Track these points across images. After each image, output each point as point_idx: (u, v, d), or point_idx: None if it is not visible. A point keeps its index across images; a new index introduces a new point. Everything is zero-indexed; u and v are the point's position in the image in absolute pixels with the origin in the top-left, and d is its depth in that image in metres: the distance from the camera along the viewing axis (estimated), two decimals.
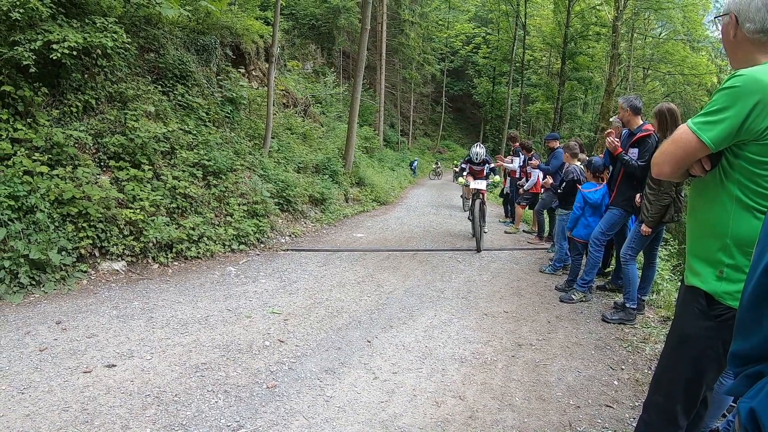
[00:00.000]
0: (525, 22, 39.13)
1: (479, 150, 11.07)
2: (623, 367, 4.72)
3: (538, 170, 10.94)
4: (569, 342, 5.26)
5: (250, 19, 13.91)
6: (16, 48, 6.81)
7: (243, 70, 12.82)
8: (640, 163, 5.84)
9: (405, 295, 6.54)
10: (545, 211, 10.83)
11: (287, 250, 9.05)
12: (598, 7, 32.66)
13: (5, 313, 5.40)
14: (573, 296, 6.61)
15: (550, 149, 10.62)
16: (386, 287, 6.89)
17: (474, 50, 49.21)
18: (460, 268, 8.15)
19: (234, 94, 11.25)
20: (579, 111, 43.83)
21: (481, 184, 10.18)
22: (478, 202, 9.88)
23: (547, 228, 10.99)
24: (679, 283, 2.89)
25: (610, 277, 7.34)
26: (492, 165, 11.20)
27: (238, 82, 11.87)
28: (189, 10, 10.39)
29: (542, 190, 10.59)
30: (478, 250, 9.55)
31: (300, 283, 6.95)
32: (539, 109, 43.29)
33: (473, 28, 48.21)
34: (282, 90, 15.61)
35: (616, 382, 4.39)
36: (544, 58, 46.53)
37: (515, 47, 40.36)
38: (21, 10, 6.82)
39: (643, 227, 5.53)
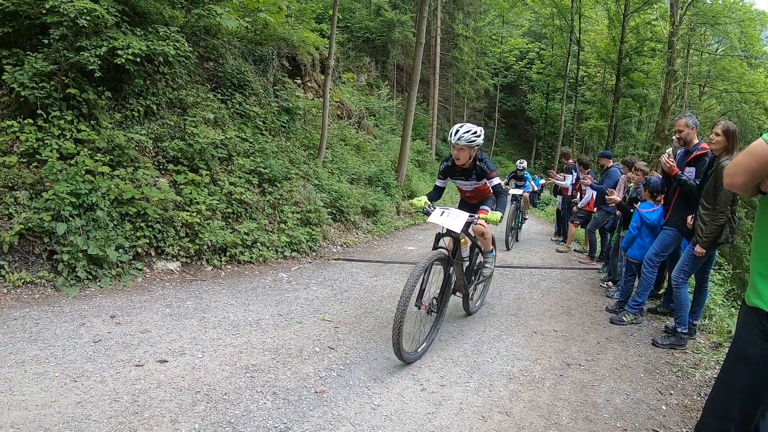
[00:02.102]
0: (579, 37, 38.51)
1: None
2: (672, 392, 4.57)
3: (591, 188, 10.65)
4: (618, 364, 5.12)
5: (306, 31, 14.09)
6: (82, 53, 7.05)
7: (299, 81, 12.97)
8: (696, 182, 5.66)
9: (455, 309, 6.41)
10: (597, 231, 10.50)
11: (338, 259, 9.02)
12: (653, 22, 32.00)
13: (61, 304, 5.58)
14: (624, 318, 6.39)
15: (602, 168, 10.32)
16: None
17: (528, 65, 48.73)
18: (510, 285, 8.00)
19: (290, 104, 11.37)
20: (633, 129, 42.83)
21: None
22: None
23: (599, 248, 10.65)
24: (733, 309, 2.76)
25: (662, 300, 7.04)
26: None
27: (294, 92, 12.02)
28: (248, 21, 10.56)
29: (595, 208, 10.31)
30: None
31: (351, 293, 6.93)
32: (593, 127, 42.42)
33: (527, 43, 47.83)
34: (337, 101, 15.73)
35: (664, 407, 4.26)
36: (598, 74, 45.59)
37: (569, 63, 39.73)
38: (88, 18, 7.05)
39: (697, 248, 5.32)
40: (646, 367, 5.06)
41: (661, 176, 6.47)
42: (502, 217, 5.06)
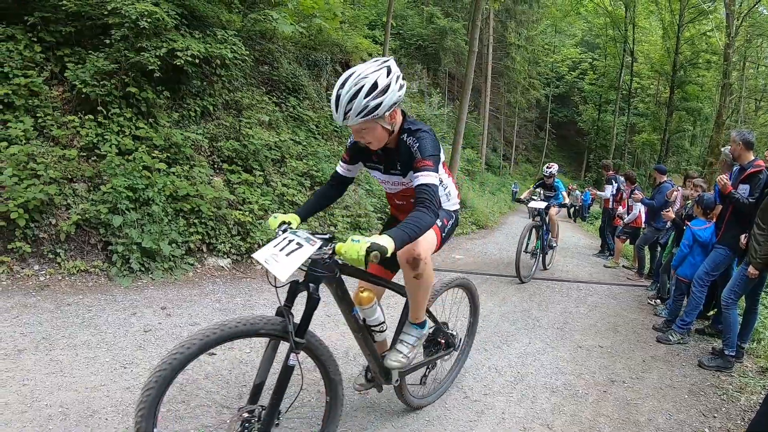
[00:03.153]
0: (633, 48, 37.63)
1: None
2: (716, 415, 4.45)
3: (641, 204, 10.30)
4: (662, 384, 5.00)
5: (359, 37, 14.13)
6: (142, 54, 7.24)
7: None
8: (750, 200, 5.45)
9: (501, 320, 6.42)
10: (646, 247, 10.18)
11: None
12: (708, 33, 31.08)
13: (114, 293, 5.73)
14: (670, 337, 6.18)
15: (654, 182, 9.99)
16: (482, 311, 6.60)
17: (580, 76, 47.94)
18: (557, 299, 7.89)
19: None
20: (687, 143, 41.60)
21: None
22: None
23: (647, 264, 10.31)
24: None
25: (710, 321, 6.75)
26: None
27: None
28: (303, 27, 10.66)
29: (644, 225, 10.00)
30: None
31: (397, 297, 6.65)
32: (645, 140, 41.37)
33: (579, 53, 47.08)
34: None
35: (707, 430, 4.16)
36: (651, 86, 44.47)
37: (622, 74, 38.86)
38: (149, 20, 7.26)
39: (750, 269, 5.12)
40: (691, 389, 4.94)
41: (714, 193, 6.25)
42: (384, 250, 2.30)
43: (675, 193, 8.76)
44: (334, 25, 12.28)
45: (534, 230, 9.38)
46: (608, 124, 44.63)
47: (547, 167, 10.53)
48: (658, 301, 7.95)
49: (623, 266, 11.50)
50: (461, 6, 31.13)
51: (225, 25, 9.03)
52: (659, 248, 9.14)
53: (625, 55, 38.50)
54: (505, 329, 6.07)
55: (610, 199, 12.08)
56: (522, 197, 9.97)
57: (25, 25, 7.27)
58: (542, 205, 9.40)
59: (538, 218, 9.42)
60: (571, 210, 25.81)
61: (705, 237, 6.22)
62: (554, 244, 10.28)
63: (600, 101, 47.92)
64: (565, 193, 10.17)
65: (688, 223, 6.66)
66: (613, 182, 11.97)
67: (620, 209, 11.51)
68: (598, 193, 12.89)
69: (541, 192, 10.39)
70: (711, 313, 7.02)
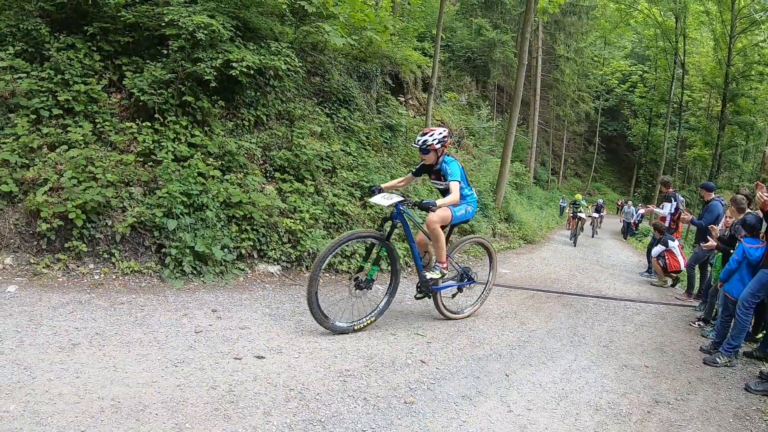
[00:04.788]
0: (684, 59, 36.51)
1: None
2: None
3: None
4: (708, 406, 4.80)
5: (408, 50, 14.14)
6: (198, 64, 7.44)
7: (401, 99, 13.02)
8: None
9: (546, 335, 6.32)
10: (696, 266, 9.80)
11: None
12: (761, 44, 29.99)
13: (166, 294, 5.87)
14: (717, 359, 5.88)
15: (703, 200, 9.64)
16: (529, 325, 6.68)
17: (630, 89, 46.71)
18: (603, 317, 7.67)
19: (393, 121, 11.43)
20: (739, 159, 40.10)
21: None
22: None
23: (697, 284, 9.93)
24: None
25: (759, 344, 6.43)
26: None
27: (397, 109, 12.04)
28: (355, 39, 10.73)
29: (695, 244, 9.67)
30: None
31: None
32: (696, 155, 39.89)
33: (629, 66, 46.01)
34: (438, 120, 15.68)
35: None
36: (703, 100, 42.94)
37: (673, 87, 37.75)
38: (205, 32, 7.47)
39: None
40: (737, 413, 4.73)
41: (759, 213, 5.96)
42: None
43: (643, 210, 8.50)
44: (384, 38, 12.32)
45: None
46: (658, 138, 43.29)
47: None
48: (702, 323, 7.64)
49: (671, 285, 11.15)
50: (510, 18, 30.97)
51: (278, 37, 9.18)
52: (710, 268, 8.81)
53: (675, 67, 37.36)
54: (551, 345, 5.97)
55: (667, 218, 11.69)
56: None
57: (85, 35, 7.60)
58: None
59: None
60: (622, 227, 25.23)
61: (756, 256, 5.93)
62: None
63: (650, 115, 46.48)
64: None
65: (741, 238, 6.38)
66: (672, 200, 11.59)
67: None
68: (655, 210, 12.49)
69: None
70: (759, 335, 6.74)
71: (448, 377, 4.65)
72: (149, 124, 7.23)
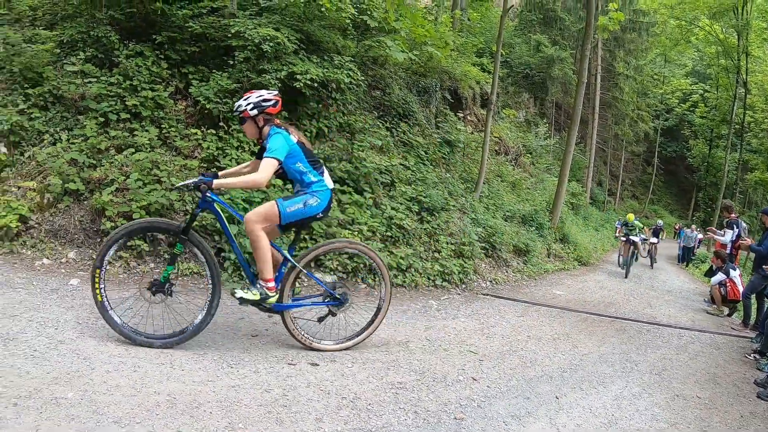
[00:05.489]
0: (746, 79, 35.11)
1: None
2: None
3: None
4: None
5: (467, 65, 14.10)
6: (263, 75, 7.61)
7: (460, 114, 12.96)
8: None
9: (598, 360, 6.20)
10: (753, 296, 9.32)
11: (487, 294, 8.83)
12: None
13: (223, 298, 5.84)
14: None
15: (764, 226, 9.19)
16: (581, 349, 6.57)
17: (690, 108, 44.99)
18: (657, 344, 7.44)
19: (451, 137, 11.39)
20: None
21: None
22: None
23: (753, 314, 9.45)
24: None
25: None
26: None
27: (456, 125, 11.99)
28: (415, 54, 10.74)
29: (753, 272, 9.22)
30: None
31: (497, 329, 6.84)
32: (758, 179, 38.14)
33: (690, 85, 44.54)
34: (496, 137, 15.57)
35: None
36: (766, 121, 41.20)
37: (735, 107, 36.33)
38: (271, 44, 7.64)
39: None
40: None
41: None
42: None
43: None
44: (446, 53, 12.31)
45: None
46: (719, 160, 41.56)
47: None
48: (758, 355, 7.27)
49: (727, 315, 10.68)
50: (568, 34, 30.47)
51: (340, 51, 9.28)
52: (767, 299, 8.39)
53: (737, 86, 36.01)
54: (602, 370, 5.83)
55: (728, 245, 11.20)
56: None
57: (153, 44, 7.90)
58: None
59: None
60: (679, 252, 24.31)
61: None
62: None
63: (711, 136, 44.66)
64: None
65: None
66: (735, 227, 11.10)
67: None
68: (716, 236, 12.00)
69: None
70: None
71: (498, 396, 4.62)
72: (213, 131, 7.41)
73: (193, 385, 3.82)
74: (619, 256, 17.14)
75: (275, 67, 7.73)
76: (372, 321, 5.13)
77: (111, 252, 4.26)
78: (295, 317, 4.81)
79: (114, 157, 6.71)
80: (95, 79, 7.32)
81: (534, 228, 13.27)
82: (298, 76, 7.70)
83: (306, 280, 5.76)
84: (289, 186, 5.06)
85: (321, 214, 4.59)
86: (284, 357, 4.63)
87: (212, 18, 8.40)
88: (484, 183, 11.95)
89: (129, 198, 6.24)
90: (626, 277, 14.45)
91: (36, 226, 6.34)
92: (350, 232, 7.51)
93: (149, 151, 6.80)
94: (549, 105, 30.57)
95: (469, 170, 11.86)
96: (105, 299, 4.22)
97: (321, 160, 4.66)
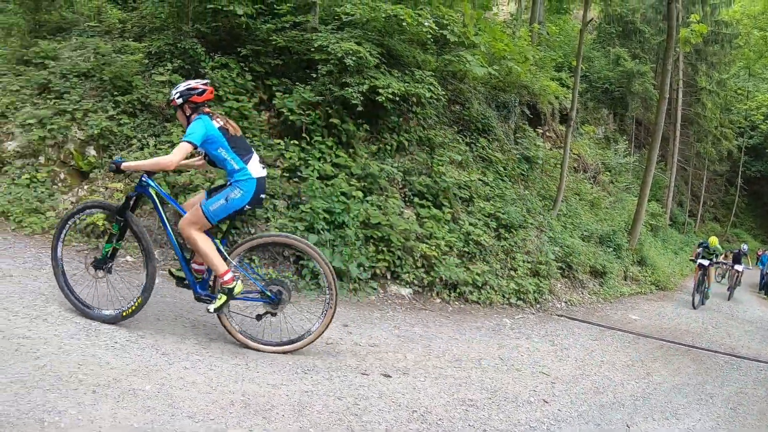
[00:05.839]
0: None
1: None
2: None
3: None
4: None
5: (546, 80, 13.87)
6: (346, 88, 7.71)
7: (539, 130, 12.76)
8: None
9: (672, 390, 6.00)
10: None
11: (561, 315, 8.64)
12: None
13: (300, 304, 5.96)
14: None
15: None
16: (655, 377, 6.36)
17: None
18: (734, 377, 7.10)
19: (530, 153, 11.22)
20: None
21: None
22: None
23: None
24: None
25: None
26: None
27: (535, 141, 11.80)
28: (495, 69, 10.65)
29: None
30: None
31: (571, 351, 6.74)
32: None
33: None
34: (575, 154, 15.22)
35: None
36: None
37: None
38: (353, 58, 7.71)
39: None
40: None
41: None
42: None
43: None
44: (525, 68, 12.15)
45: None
46: None
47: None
48: None
49: None
50: (648, 47, 29.44)
51: (420, 65, 9.31)
52: None
53: None
54: (676, 401, 5.66)
55: None
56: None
57: (238, 56, 8.15)
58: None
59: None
60: (762, 279, 22.91)
61: None
62: None
63: None
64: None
65: None
66: None
67: None
68: None
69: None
70: None
71: (569, 420, 4.57)
72: (296, 142, 7.57)
73: (267, 387, 3.90)
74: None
75: (357, 81, 7.82)
76: (316, 327, 4.69)
77: (65, 231, 4.45)
78: (231, 312, 4.59)
79: None
80: None
81: (611, 249, 12.85)
82: (380, 90, 7.76)
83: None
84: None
85: (248, 206, 4.37)
86: (358, 366, 4.69)
87: (295, 32, 8.58)
88: (562, 201, 11.69)
89: None
90: (694, 306, 12.64)
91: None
92: (427, 246, 7.51)
93: None
94: (629, 121, 29.52)
95: (547, 187, 11.64)
96: (66, 280, 4.44)
97: (251, 148, 4.51)
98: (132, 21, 9.69)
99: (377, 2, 8.80)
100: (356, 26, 8.74)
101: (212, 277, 4.47)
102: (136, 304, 4.34)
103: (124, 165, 4.22)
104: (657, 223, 22.91)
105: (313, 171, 7.23)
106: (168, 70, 7.79)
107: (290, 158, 7.34)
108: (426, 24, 8.91)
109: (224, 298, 4.30)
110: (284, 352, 4.57)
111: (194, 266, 4.54)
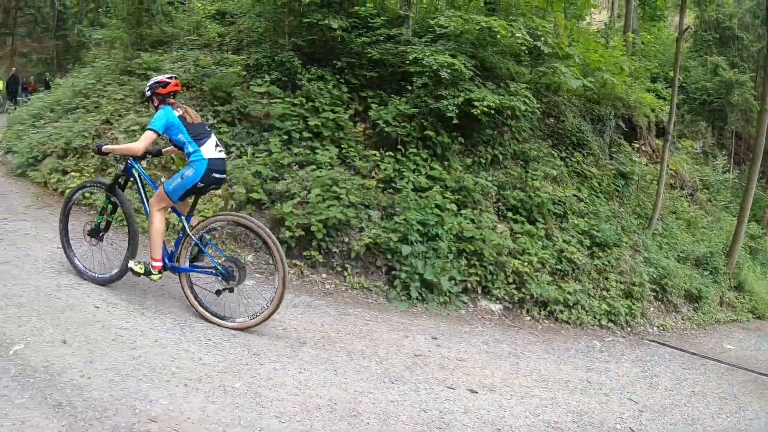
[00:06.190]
0: None
1: None
2: None
3: None
4: None
5: (641, 91, 13.38)
6: (441, 101, 7.77)
7: (635, 144, 12.34)
8: None
9: (766, 426, 5.82)
10: None
11: (653, 341, 8.28)
12: None
13: (390, 314, 6.20)
14: None
15: None
16: (748, 412, 6.06)
17: None
18: None
19: (626, 169, 10.83)
20: None
21: None
22: None
23: None
24: None
25: None
26: None
27: (630, 156, 11.41)
28: (591, 81, 10.39)
29: None
30: None
31: (661, 379, 6.47)
32: None
33: None
34: (672, 170, 14.58)
35: None
36: None
37: None
38: (448, 71, 7.75)
39: None
40: None
41: None
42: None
43: None
44: (622, 79, 11.77)
45: None
46: None
47: None
48: None
49: None
50: (747, 55, 27.79)
51: (514, 77, 9.25)
52: None
53: None
54: None
55: None
56: None
57: (334, 68, 8.44)
58: None
59: None
60: None
61: None
62: None
63: None
64: None
65: None
66: None
67: None
68: None
69: None
70: None
71: None
72: (391, 153, 7.69)
73: (354, 394, 4.01)
74: None
75: (452, 94, 7.85)
76: (266, 306, 4.80)
77: (70, 204, 5.30)
78: (194, 283, 4.95)
79: (296, 172, 7.18)
80: (279, 100, 7.90)
81: (708, 272, 12.23)
82: (476, 103, 7.74)
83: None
84: None
85: (201, 184, 4.72)
86: (445, 380, 4.73)
87: (389, 45, 8.74)
88: (658, 219, 11.22)
89: (308, 211, 6.62)
90: None
91: (219, 228, 6.83)
92: (520, 262, 7.41)
93: (329, 169, 7.18)
94: (728, 135, 28.01)
95: (642, 205, 11.20)
96: (69, 246, 5.22)
97: (210, 133, 4.93)
98: (230, 35, 10.17)
99: (470, 14, 8.80)
100: (449, 38, 8.75)
101: (179, 251, 4.92)
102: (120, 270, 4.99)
103: (104, 148, 5.01)
104: (757, 245, 21.60)
105: (407, 183, 7.29)
106: (266, 81, 8.11)
107: (385, 169, 7.46)
108: (519, 35, 8.81)
109: (142, 270, 4.83)
110: (233, 329, 4.75)
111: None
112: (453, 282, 6.83)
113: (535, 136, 9.45)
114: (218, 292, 4.89)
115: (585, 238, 8.60)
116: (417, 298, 6.60)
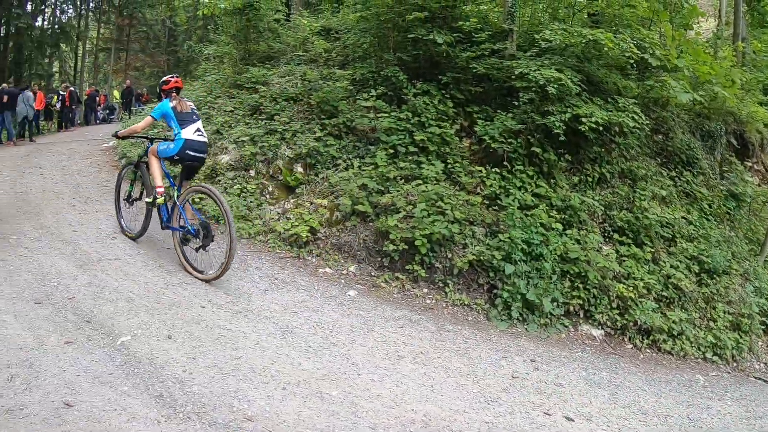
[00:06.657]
0: None
1: None
2: None
3: None
4: None
5: (753, 105, 12.59)
6: (548, 117, 7.64)
7: (748, 163, 11.68)
8: None
9: None
10: None
11: (759, 378, 7.68)
12: None
13: (490, 333, 6.14)
14: None
15: None
16: None
17: None
18: None
19: (738, 189, 10.22)
20: None
21: None
22: None
23: None
24: None
25: None
26: None
27: (742, 175, 10.80)
28: (701, 95, 9.91)
29: None
30: None
31: (764, 421, 6.07)
32: None
33: None
34: None
35: None
36: None
37: None
38: (555, 86, 7.61)
39: None
40: None
41: None
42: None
43: None
44: (734, 92, 11.13)
45: None
46: None
47: None
48: None
49: None
50: None
51: (621, 92, 8.99)
52: None
53: None
54: None
55: None
56: None
57: (439, 83, 8.49)
58: None
59: None
60: None
61: None
62: None
63: None
64: None
65: None
66: None
67: None
68: None
69: None
70: None
71: None
72: (497, 170, 7.66)
73: (450, 411, 3.99)
74: None
75: (559, 109, 7.72)
76: (224, 260, 5.57)
77: (121, 179, 6.94)
78: (184, 246, 6.02)
79: (401, 186, 7.29)
80: (386, 114, 8.07)
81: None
82: (583, 119, 7.60)
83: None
84: None
85: (177, 156, 5.93)
86: (541, 404, 4.62)
87: (493, 59, 8.70)
88: None
89: (412, 225, 6.71)
90: None
91: (323, 238, 7.18)
92: (625, 286, 7.15)
93: (435, 184, 7.25)
94: None
95: (755, 229, 10.54)
96: (119, 210, 6.75)
97: (195, 120, 6.03)
98: (336, 50, 10.39)
99: (574, 27, 8.63)
100: (555, 52, 8.62)
101: (171, 214, 6.09)
102: (141, 227, 6.43)
103: (120, 133, 6.67)
104: None
105: (513, 200, 7.25)
106: (372, 96, 8.30)
107: (490, 186, 7.45)
108: (626, 47, 8.54)
109: (151, 200, 6.13)
110: (203, 281, 5.71)
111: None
112: (555, 304, 6.71)
113: (643, 154, 9.12)
114: (197, 249, 5.87)
115: (693, 264, 8.15)
116: (517, 319, 6.52)
